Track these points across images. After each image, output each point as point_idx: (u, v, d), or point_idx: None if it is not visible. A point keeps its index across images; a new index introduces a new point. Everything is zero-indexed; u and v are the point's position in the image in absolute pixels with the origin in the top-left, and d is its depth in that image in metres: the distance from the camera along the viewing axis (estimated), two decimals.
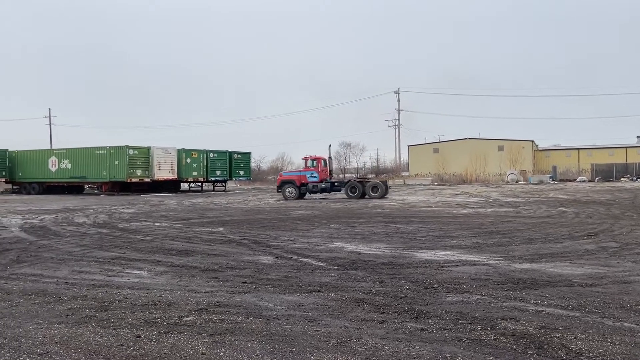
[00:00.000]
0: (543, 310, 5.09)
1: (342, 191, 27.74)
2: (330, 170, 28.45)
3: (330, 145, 30.40)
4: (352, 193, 26.78)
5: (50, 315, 5.13)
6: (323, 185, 27.40)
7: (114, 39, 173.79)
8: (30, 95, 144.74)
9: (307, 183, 27.44)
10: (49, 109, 76.35)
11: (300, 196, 27.75)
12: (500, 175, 59.99)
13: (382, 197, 26.75)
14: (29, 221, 15.91)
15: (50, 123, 74.87)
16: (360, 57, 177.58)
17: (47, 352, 4.08)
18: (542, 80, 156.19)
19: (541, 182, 51.74)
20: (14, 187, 43.82)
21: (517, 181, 54.03)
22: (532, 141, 71.47)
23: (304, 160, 28.91)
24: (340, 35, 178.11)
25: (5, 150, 43.31)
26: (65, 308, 5.40)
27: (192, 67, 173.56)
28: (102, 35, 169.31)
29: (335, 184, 28.10)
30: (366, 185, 27.32)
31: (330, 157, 28.96)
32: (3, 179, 43.31)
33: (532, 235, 10.89)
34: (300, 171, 28.82)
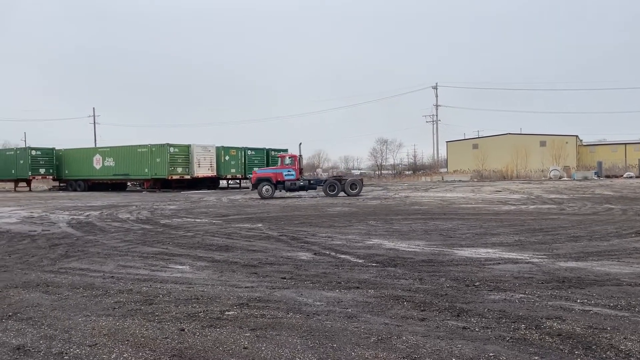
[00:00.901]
0: (590, 310, 4.94)
1: (317, 189, 28.01)
2: (300, 169, 28.30)
3: (300, 144, 30.20)
4: (331, 191, 26.96)
5: (98, 308, 5.31)
6: (301, 183, 27.37)
7: (152, 42, 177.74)
8: (76, 95, 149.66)
9: (284, 181, 27.09)
10: (93, 108, 79.04)
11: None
12: (542, 171, 58.39)
13: (359, 194, 27.18)
14: (75, 217, 16.48)
15: (94, 122, 77.34)
16: (367, 56, 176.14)
17: (96, 344, 4.22)
18: (584, 73, 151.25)
19: (586, 178, 50.13)
20: (61, 185, 45.43)
21: (560, 177, 52.50)
22: (576, 136, 69.33)
23: (280, 158, 28.96)
24: (351, 34, 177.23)
25: (53, 149, 44.98)
26: (112, 301, 5.58)
27: (218, 67, 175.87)
28: (141, 37, 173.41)
29: (311, 181, 28.15)
30: (344, 183, 27.51)
31: (300, 155, 28.82)
32: (51, 177, 45.00)
33: (577, 233, 10.57)
34: (276, 169, 28.33)
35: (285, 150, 49.13)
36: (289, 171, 27.39)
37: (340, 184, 27.38)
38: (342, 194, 26.95)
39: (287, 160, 28.05)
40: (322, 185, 27.63)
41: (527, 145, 64.65)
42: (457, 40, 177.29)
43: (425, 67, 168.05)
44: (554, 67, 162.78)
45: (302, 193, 28.80)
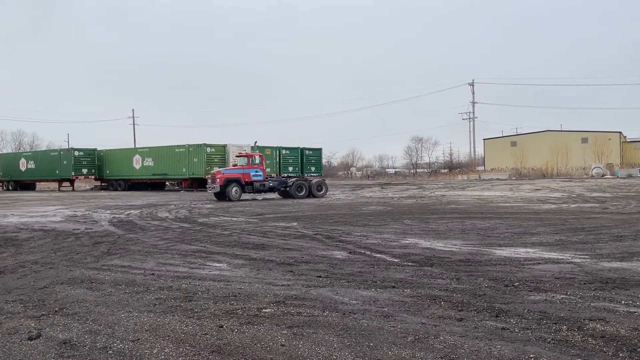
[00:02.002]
0: (635, 312, 4.78)
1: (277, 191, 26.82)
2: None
3: (255, 142, 29.07)
4: (299, 192, 26.18)
5: (140, 305, 5.45)
6: (271, 184, 25.96)
7: (190, 44, 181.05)
8: (116, 97, 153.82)
9: (253, 182, 25.26)
10: (133, 110, 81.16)
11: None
12: (584, 169, 56.77)
13: (324, 195, 26.85)
14: (116, 216, 16.95)
15: (134, 123, 79.33)
16: (398, 53, 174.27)
17: (139, 339, 4.34)
18: (628, 67, 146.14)
19: (630, 176, 48.43)
20: (102, 184, 46.80)
21: (603, 175, 50.91)
22: (620, 132, 67.06)
23: (246, 157, 26.31)
24: (379, 33, 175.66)
25: (95, 150, 46.40)
26: (152, 298, 5.72)
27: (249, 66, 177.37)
28: (178, 40, 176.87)
29: (279, 182, 26.87)
30: (311, 185, 26.93)
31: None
32: (93, 176, 46.43)
33: (621, 232, 10.24)
34: (244, 168, 25.63)
35: (320, 150, 49.21)
36: (256, 171, 25.57)
37: (309, 185, 26.88)
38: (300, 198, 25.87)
39: (257, 160, 25.97)
40: (290, 187, 26.31)
41: (567, 142, 62.98)
42: (483, 38, 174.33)
43: (456, 65, 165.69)
44: (594, 62, 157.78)
45: (262, 195, 27.11)
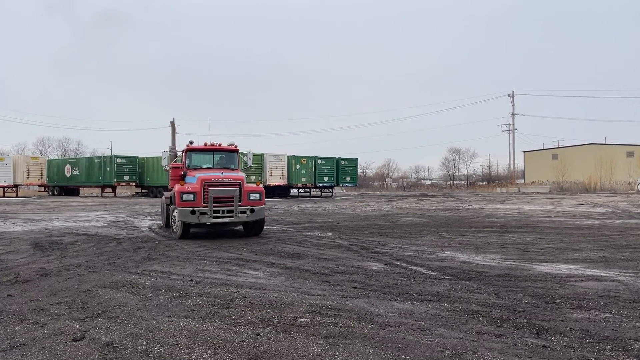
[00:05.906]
0: None
1: None
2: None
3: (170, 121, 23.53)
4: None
5: (179, 310, 5.56)
6: None
7: (223, 53, 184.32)
8: (156, 106, 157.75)
9: None
10: (173, 118, 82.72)
11: None
12: (629, 183, 54.77)
13: None
14: (156, 222, 17.33)
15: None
16: (433, 65, 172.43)
17: (178, 344, 4.43)
18: None
19: None
20: (143, 191, 48.00)
21: None
22: None
23: (233, 153, 15.27)
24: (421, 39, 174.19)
25: (136, 157, 47.68)
26: (191, 304, 5.83)
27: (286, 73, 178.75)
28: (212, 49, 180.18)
29: None
30: None
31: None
32: (134, 183, 47.69)
33: None
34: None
35: (355, 160, 49.15)
36: None
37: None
38: None
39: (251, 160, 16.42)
40: None
41: (612, 155, 60.97)
42: (526, 48, 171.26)
43: (498, 75, 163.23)
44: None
45: None
